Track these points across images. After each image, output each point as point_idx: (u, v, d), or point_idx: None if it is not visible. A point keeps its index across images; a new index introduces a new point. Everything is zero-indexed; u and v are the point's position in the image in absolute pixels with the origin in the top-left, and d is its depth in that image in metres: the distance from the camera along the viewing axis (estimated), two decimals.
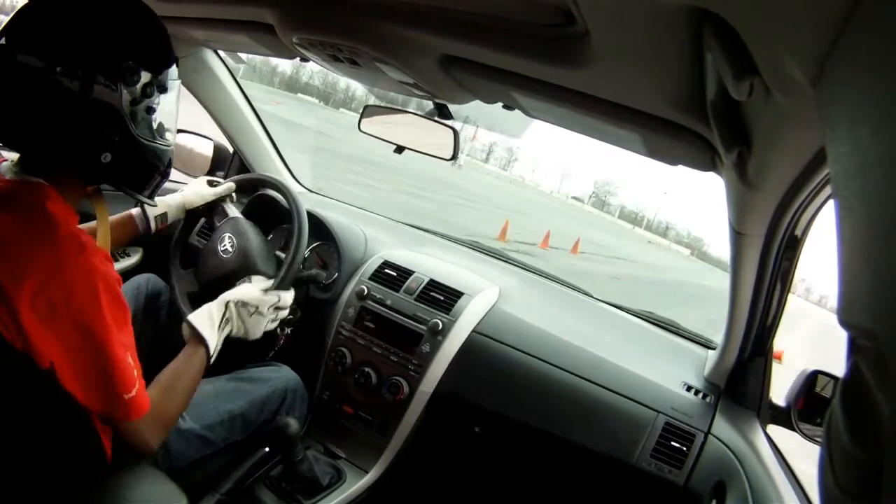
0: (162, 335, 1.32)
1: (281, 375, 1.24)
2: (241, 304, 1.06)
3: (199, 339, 0.97)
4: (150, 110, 0.81)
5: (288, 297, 1.14)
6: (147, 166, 0.85)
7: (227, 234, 1.28)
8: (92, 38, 0.75)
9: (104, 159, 0.78)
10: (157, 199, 1.17)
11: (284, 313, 1.15)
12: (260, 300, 1.08)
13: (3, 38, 0.73)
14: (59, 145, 0.76)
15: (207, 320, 1.00)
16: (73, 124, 0.75)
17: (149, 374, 0.86)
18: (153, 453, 0.86)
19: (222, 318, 1.03)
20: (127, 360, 0.78)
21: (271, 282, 1.14)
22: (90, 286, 0.73)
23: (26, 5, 0.74)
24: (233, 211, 1.33)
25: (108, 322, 0.75)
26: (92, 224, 1.04)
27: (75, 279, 0.72)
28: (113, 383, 0.76)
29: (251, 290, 1.09)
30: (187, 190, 1.29)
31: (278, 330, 1.33)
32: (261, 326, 1.09)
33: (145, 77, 0.79)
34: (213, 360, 0.99)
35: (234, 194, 1.35)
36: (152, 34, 0.81)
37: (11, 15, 0.75)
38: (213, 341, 0.99)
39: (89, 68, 0.73)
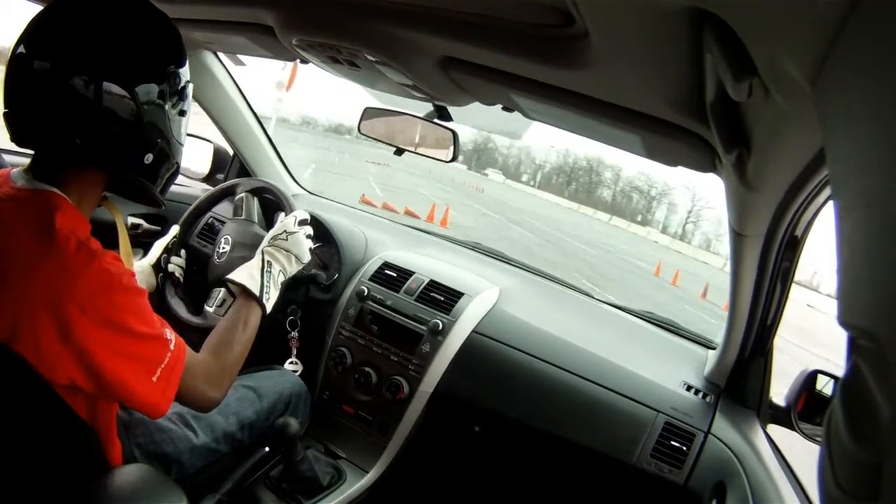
0: None
1: (285, 380, 1.26)
2: (273, 239, 1.11)
3: (244, 291, 1.01)
4: (183, 113, 0.86)
5: (300, 211, 1.19)
6: (176, 166, 0.89)
7: (223, 239, 1.31)
8: (136, 47, 0.77)
9: (146, 161, 0.81)
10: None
11: (309, 229, 1.18)
12: (283, 224, 1.13)
13: (23, 47, 0.73)
14: (108, 148, 0.77)
15: (246, 273, 1.04)
16: (127, 129, 0.77)
17: None
18: (219, 402, 0.89)
19: (262, 264, 1.06)
20: (147, 348, 0.77)
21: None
22: (104, 291, 0.73)
23: (50, 17, 0.75)
24: (231, 214, 1.37)
25: (126, 321, 0.75)
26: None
27: (88, 289, 0.72)
28: (135, 375, 0.75)
29: (272, 229, 1.15)
30: (149, 255, 1.36)
31: (289, 334, 1.35)
32: (301, 242, 1.13)
33: (182, 81, 0.83)
34: (270, 306, 1.03)
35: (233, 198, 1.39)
36: (175, 36, 0.83)
37: (28, 23, 0.75)
38: (256, 286, 1.02)
39: (136, 76, 0.76)
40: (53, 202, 0.76)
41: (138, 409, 0.78)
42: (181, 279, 1.36)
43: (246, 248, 1.27)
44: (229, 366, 0.92)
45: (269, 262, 1.07)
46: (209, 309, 1.28)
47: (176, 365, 0.79)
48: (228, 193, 1.46)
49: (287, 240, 1.11)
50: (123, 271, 0.76)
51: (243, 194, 1.39)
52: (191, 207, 1.45)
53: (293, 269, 1.11)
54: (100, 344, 0.72)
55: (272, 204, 1.42)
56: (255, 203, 1.39)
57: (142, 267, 1.30)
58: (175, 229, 1.39)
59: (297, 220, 1.15)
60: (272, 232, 1.13)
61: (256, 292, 1.01)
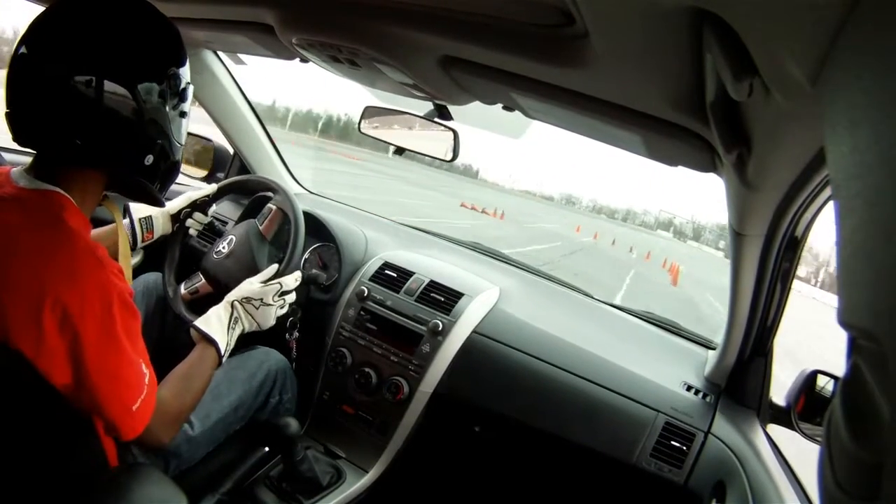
0: (168, 334, 1.34)
1: (270, 358, 1.27)
2: (246, 301, 1.10)
3: (210, 341, 1.00)
4: (183, 114, 0.86)
5: (289, 280, 1.17)
6: (175, 166, 0.89)
7: (227, 240, 1.30)
8: (137, 48, 0.78)
9: (147, 161, 0.82)
10: (142, 206, 1.22)
11: (292, 297, 1.17)
12: (262, 292, 1.12)
13: (25, 48, 0.74)
14: (109, 148, 0.78)
15: (217, 323, 1.04)
16: (127, 129, 0.78)
17: (155, 372, 0.87)
18: (164, 448, 0.90)
19: (230, 319, 1.06)
20: (133, 372, 0.79)
21: (271, 271, 1.18)
22: (106, 301, 0.74)
23: (51, 19, 0.75)
24: (234, 215, 1.36)
25: (120, 337, 0.76)
26: (100, 230, 1.09)
27: (91, 294, 0.73)
28: (118, 396, 0.77)
29: (251, 285, 1.13)
30: (174, 201, 1.33)
31: (287, 335, 1.34)
32: (271, 316, 1.13)
33: (182, 82, 0.83)
34: (225, 358, 1.02)
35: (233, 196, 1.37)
36: (176, 37, 0.83)
37: (30, 24, 0.75)
38: (224, 343, 1.02)
39: (137, 77, 0.77)
40: (59, 202, 0.77)
41: (110, 425, 0.79)
42: (194, 235, 1.36)
43: (239, 266, 1.26)
44: (184, 410, 0.92)
45: (236, 318, 1.07)
46: (181, 290, 1.28)
47: (150, 401, 0.81)
48: (266, 190, 1.37)
49: (258, 309, 1.11)
50: (125, 288, 0.78)
51: (275, 209, 1.32)
52: (233, 179, 1.41)
53: (250, 329, 1.11)
54: (92, 348, 0.73)
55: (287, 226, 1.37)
56: (279, 223, 1.32)
57: (161, 212, 1.28)
58: (212, 188, 1.35)
59: (280, 291, 1.14)
60: (250, 289, 1.11)
61: (222, 349, 1.01)
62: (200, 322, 1.03)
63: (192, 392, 0.94)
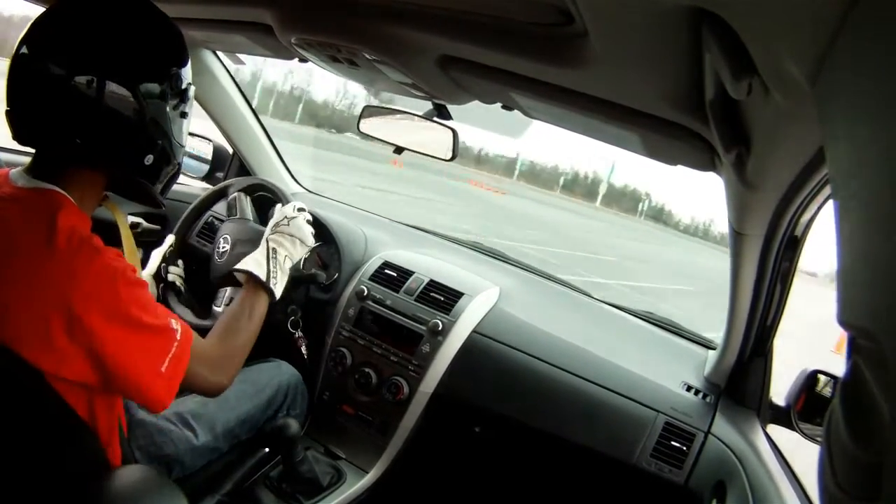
0: None
1: (282, 373, 1.26)
2: (275, 227, 1.11)
3: (252, 279, 1.01)
4: (184, 114, 0.86)
5: (297, 201, 1.20)
6: (177, 167, 0.89)
7: (222, 237, 1.31)
8: (138, 48, 0.78)
9: (147, 161, 0.81)
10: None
11: (307, 214, 1.18)
12: (282, 211, 1.14)
13: (26, 47, 0.74)
14: (108, 148, 0.78)
15: (253, 262, 1.04)
16: (128, 129, 0.78)
17: None
18: (226, 387, 0.89)
19: (268, 251, 1.06)
20: (156, 340, 0.77)
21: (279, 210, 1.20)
22: (110, 286, 0.73)
23: (52, 18, 0.75)
24: (230, 212, 1.37)
25: (133, 314, 0.75)
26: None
27: (94, 285, 0.72)
28: (144, 369, 0.76)
29: (272, 218, 1.15)
30: (148, 266, 1.34)
31: (294, 334, 1.34)
32: (302, 226, 1.13)
33: (183, 82, 0.83)
34: (279, 291, 1.03)
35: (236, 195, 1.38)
36: (178, 37, 0.83)
37: (31, 25, 0.75)
38: (263, 273, 1.02)
39: (138, 77, 0.77)
40: (57, 201, 0.76)
41: (141, 402, 0.78)
42: (182, 288, 1.35)
43: (247, 245, 1.26)
44: (235, 351, 0.92)
45: (273, 248, 1.07)
46: (217, 309, 1.27)
47: (182, 355, 0.80)
48: (221, 195, 1.45)
49: (289, 224, 1.11)
50: (126, 266, 0.77)
51: (236, 194, 1.39)
52: (185, 213, 1.44)
53: (298, 253, 1.11)
54: (108, 338, 0.72)
55: (267, 202, 1.40)
56: (248, 202, 1.39)
57: (144, 276, 1.28)
58: (171, 239, 1.38)
59: (296, 207, 1.16)
60: (273, 221, 1.13)
61: (263, 277, 1.01)
62: (241, 264, 1.03)
63: (239, 331, 0.93)
